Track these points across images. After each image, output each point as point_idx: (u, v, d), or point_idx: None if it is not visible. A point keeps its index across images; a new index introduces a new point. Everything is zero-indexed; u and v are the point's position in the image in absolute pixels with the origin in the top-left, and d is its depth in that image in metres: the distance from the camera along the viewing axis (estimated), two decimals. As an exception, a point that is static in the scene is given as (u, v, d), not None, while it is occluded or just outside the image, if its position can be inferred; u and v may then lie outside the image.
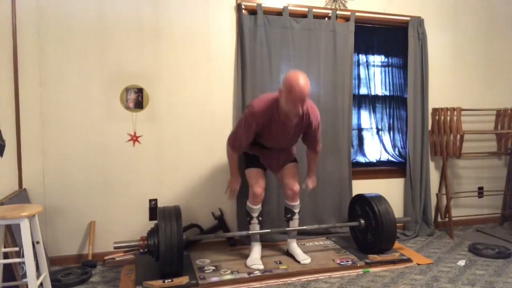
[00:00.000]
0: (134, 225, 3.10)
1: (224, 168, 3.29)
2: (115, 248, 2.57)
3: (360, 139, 3.82)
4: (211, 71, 3.24)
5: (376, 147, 3.85)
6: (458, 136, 3.53)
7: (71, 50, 2.92)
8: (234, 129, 2.78)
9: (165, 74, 3.13)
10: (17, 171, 2.81)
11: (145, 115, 3.11)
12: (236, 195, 2.92)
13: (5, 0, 2.75)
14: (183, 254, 2.52)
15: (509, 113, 3.87)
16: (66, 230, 2.96)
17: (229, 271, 2.70)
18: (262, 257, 2.88)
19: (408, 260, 2.91)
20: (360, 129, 3.81)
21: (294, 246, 2.96)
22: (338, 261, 2.88)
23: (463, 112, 3.67)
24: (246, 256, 2.88)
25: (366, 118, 3.81)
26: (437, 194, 3.87)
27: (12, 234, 2.36)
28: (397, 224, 3.02)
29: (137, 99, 3.08)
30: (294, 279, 2.63)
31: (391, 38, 3.77)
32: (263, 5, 3.24)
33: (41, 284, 2.21)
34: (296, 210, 2.92)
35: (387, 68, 3.83)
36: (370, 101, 3.80)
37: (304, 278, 2.65)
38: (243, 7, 3.22)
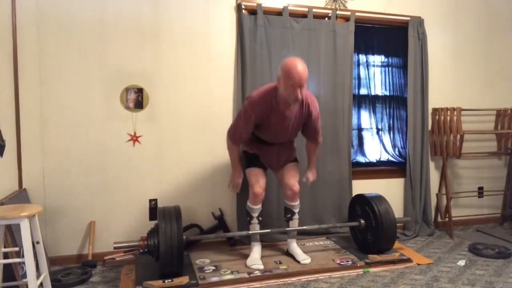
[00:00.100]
0: (134, 225, 3.10)
1: (224, 168, 3.30)
2: (115, 248, 2.57)
3: (360, 139, 3.82)
4: (211, 71, 3.24)
5: (376, 147, 3.85)
6: (458, 136, 3.53)
7: (71, 50, 2.92)
8: (233, 121, 2.78)
9: (165, 74, 3.13)
10: (17, 171, 2.81)
11: (145, 115, 3.11)
12: (239, 189, 2.89)
13: (5, 0, 2.75)
14: (183, 254, 2.52)
15: (509, 113, 3.87)
16: (66, 230, 2.96)
17: (229, 271, 2.70)
18: (262, 257, 2.88)
19: (408, 260, 2.91)
20: (360, 129, 3.81)
21: (294, 246, 2.96)
22: (338, 261, 2.88)
23: (463, 112, 3.67)
24: (246, 256, 2.88)
25: (366, 118, 3.81)
26: (437, 194, 3.87)
27: (12, 234, 2.36)
28: (397, 224, 3.02)
29: (137, 99, 3.08)
30: (294, 279, 2.63)
31: (391, 38, 3.77)
32: (263, 5, 3.24)
33: (41, 284, 2.21)
34: (296, 210, 2.92)
35: (387, 68, 3.83)
36: (370, 101, 3.80)
37: (304, 278, 2.65)
38: (243, 7, 3.22)
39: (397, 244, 3.20)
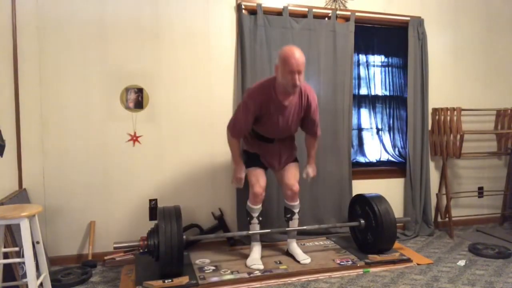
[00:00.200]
0: (134, 225, 3.11)
1: (224, 168, 3.30)
2: (115, 248, 2.57)
3: (360, 139, 3.82)
4: (211, 71, 3.24)
5: (376, 147, 3.85)
6: (458, 136, 3.53)
7: (71, 50, 2.92)
8: (233, 115, 2.78)
9: (165, 74, 3.13)
10: (17, 171, 2.81)
11: (145, 115, 3.11)
12: (243, 184, 2.85)
13: (5, 0, 2.76)
14: (183, 254, 2.52)
15: (509, 113, 3.87)
16: (66, 230, 2.96)
17: (229, 271, 2.70)
18: (262, 257, 2.88)
19: (408, 260, 2.91)
20: (360, 129, 3.81)
21: (294, 246, 2.96)
22: (338, 261, 2.88)
23: (463, 112, 3.67)
24: (246, 256, 2.88)
25: (366, 118, 3.81)
26: (437, 194, 3.87)
27: (12, 234, 2.36)
28: (397, 224, 3.02)
29: (137, 99, 3.08)
30: (294, 279, 2.63)
31: (391, 38, 3.77)
32: (263, 5, 3.24)
33: (41, 284, 2.21)
34: (296, 210, 2.92)
35: (387, 68, 3.83)
36: (370, 101, 3.80)
37: (304, 278, 2.65)
38: (243, 7, 3.22)
39: (397, 244, 3.20)
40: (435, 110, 3.77)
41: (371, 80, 3.78)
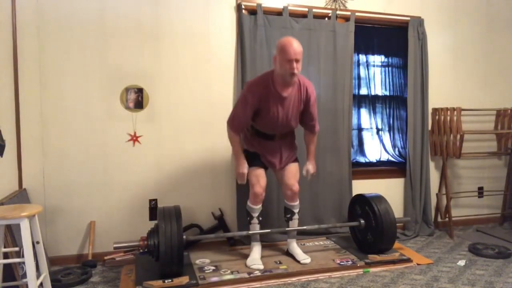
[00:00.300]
0: (134, 225, 3.10)
1: (224, 167, 3.30)
2: (115, 248, 2.57)
3: (360, 139, 3.82)
4: (211, 71, 3.24)
5: (376, 147, 3.85)
6: (458, 136, 3.53)
7: (71, 50, 2.92)
8: (232, 109, 2.79)
9: (165, 74, 3.13)
10: (17, 171, 2.81)
11: (145, 115, 3.11)
12: (245, 179, 2.81)
13: (5, 0, 2.75)
14: (183, 254, 2.52)
15: (509, 113, 3.87)
16: (66, 230, 2.96)
17: (229, 271, 2.70)
18: (262, 257, 2.88)
19: (408, 260, 2.91)
20: (360, 129, 3.81)
21: (294, 246, 2.96)
22: (338, 261, 2.88)
23: (463, 112, 3.67)
24: (246, 256, 2.88)
25: (366, 118, 3.81)
26: (437, 194, 3.87)
27: (12, 234, 2.36)
28: (397, 224, 3.02)
29: (137, 99, 3.08)
30: (294, 279, 2.63)
31: (391, 38, 3.77)
32: (263, 5, 3.24)
33: (41, 284, 2.21)
34: (296, 210, 2.92)
35: (387, 68, 3.83)
36: (370, 101, 3.80)
37: (304, 278, 2.65)
38: (243, 7, 3.22)
39: (397, 244, 3.20)
40: (435, 110, 3.77)
41: (371, 80, 3.78)
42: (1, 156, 2.65)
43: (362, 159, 3.81)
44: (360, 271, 2.78)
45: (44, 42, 2.86)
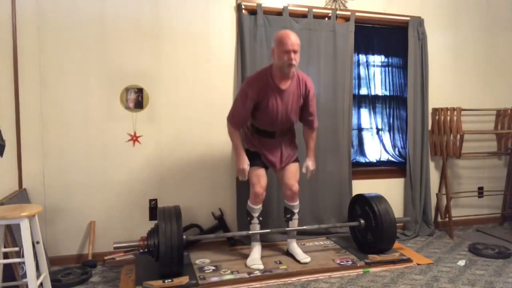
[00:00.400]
0: (134, 225, 3.10)
1: (224, 167, 3.30)
2: (115, 248, 2.57)
3: (360, 139, 3.82)
4: (211, 71, 3.24)
5: (376, 147, 3.85)
6: (458, 136, 3.53)
7: (71, 50, 2.92)
8: (232, 105, 2.80)
9: (165, 74, 3.13)
10: (17, 171, 2.81)
11: (145, 115, 3.10)
12: (247, 176, 2.77)
13: (5, 0, 2.75)
14: (183, 254, 2.52)
15: (509, 113, 3.87)
16: (66, 230, 2.96)
17: (229, 271, 2.70)
18: (262, 257, 2.88)
19: (408, 260, 2.91)
20: (360, 129, 3.81)
21: (294, 246, 2.96)
22: (338, 261, 2.88)
23: (463, 112, 3.67)
24: (246, 256, 2.88)
25: (366, 118, 3.81)
26: (437, 194, 3.87)
27: (12, 234, 2.36)
28: (397, 224, 3.02)
29: (137, 99, 3.08)
30: (294, 279, 2.63)
31: (391, 38, 3.77)
32: (263, 5, 3.24)
33: (41, 284, 2.21)
34: (296, 210, 2.92)
35: (387, 68, 3.83)
36: (370, 101, 3.80)
37: (304, 278, 2.65)
38: (243, 7, 3.22)
39: (397, 244, 3.20)
40: (435, 110, 3.77)
41: (371, 80, 3.78)
42: (1, 156, 2.65)
43: (362, 159, 3.81)
44: (360, 271, 2.78)
45: (44, 42, 2.86)
